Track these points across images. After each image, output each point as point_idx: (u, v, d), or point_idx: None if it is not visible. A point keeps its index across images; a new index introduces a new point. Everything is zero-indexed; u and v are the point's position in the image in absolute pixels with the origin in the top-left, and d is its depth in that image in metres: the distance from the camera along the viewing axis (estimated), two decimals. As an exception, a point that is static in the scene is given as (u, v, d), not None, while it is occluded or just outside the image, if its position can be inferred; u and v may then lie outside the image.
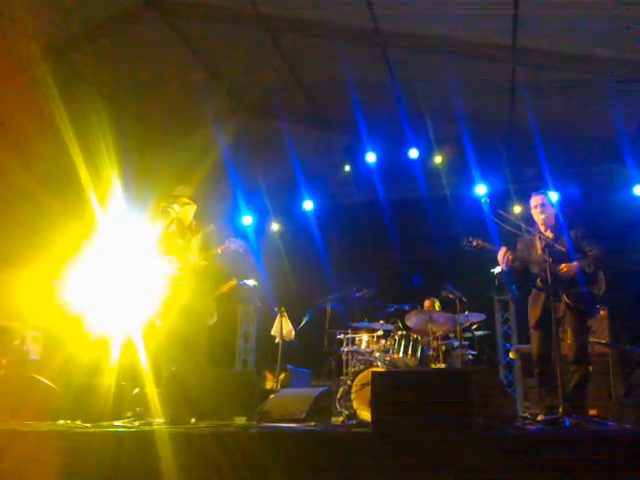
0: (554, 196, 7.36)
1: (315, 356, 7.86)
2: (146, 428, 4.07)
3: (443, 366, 6.56)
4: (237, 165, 8.79)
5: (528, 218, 5.30)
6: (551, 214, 5.13)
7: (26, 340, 6.71)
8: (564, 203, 7.13)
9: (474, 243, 5.14)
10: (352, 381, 6.22)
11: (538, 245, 5.05)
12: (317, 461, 3.10)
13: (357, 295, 7.30)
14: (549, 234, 5.06)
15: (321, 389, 5.54)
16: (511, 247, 5.23)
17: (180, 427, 4.05)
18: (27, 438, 3.63)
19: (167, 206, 5.34)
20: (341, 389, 6.42)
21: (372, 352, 6.68)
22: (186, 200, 5.39)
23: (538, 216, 5.14)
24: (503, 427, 3.74)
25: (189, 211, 5.43)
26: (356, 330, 7.06)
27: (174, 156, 9.17)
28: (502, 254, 4.97)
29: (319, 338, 7.39)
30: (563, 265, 4.83)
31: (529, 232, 5.10)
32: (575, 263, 4.86)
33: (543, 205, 5.14)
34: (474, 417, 3.35)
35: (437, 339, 6.84)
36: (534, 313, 5.04)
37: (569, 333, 4.84)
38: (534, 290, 5.08)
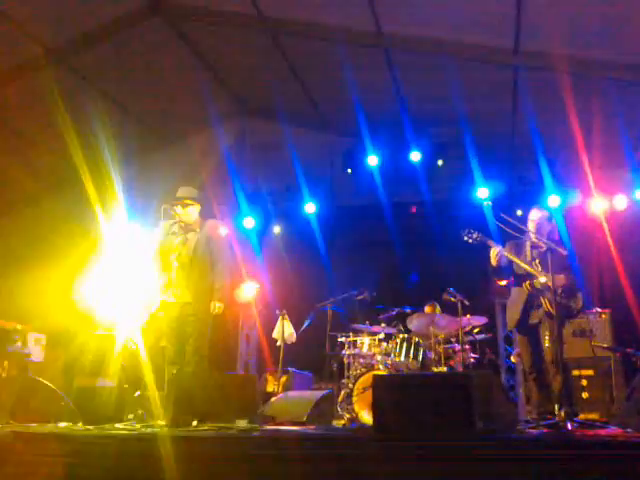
0: (555, 200, 7.41)
1: (317, 359, 7.85)
2: (148, 431, 4.08)
3: (444, 369, 6.55)
4: (239, 167, 8.80)
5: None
6: (547, 229, 5.17)
7: (28, 342, 6.71)
8: (563, 211, 7.16)
9: (474, 235, 5.16)
10: (353, 384, 6.22)
11: (528, 252, 5.12)
12: (318, 464, 3.10)
13: (359, 298, 7.29)
14: (541, 244, 5.07)
15: (322, 392, 5.56)
16: None
17: (182, 430, 4.05)
18: (29, 440, 3.63)
19: (170, 207, 5.35)
20: (342, 392, 6.42)
21: (374, 355, 6.68)
22: (189, 201, 5.39)
23: (534, 229, 5.18)
24: (505, 431, 3.74)
25: (193, 212, 5.43)
26: (358, 333, 7.06)
27: (177, 158, 9.19)
28: (496, 252, 5.03)
29: (321, 341, 7.38)
30: (548, 277, 4.88)
31: (524, 234, 5.15)
32: (562, 276, 4.94)
33: (540, 223, 5.18)
34: (476, 421, 3.35)
35: (439, 342, 6.83)
36: (512, 315, 5.14)
37: (547, 338, 4.91)
38: (515, 291, 5.13)
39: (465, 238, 5.20)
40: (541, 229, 5.14)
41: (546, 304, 4.90)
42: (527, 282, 5.03)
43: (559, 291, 4.90)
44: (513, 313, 5.14)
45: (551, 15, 5.65)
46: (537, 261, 5.04)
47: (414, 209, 8.42)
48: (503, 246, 5.13)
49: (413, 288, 8.64)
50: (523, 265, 5.03)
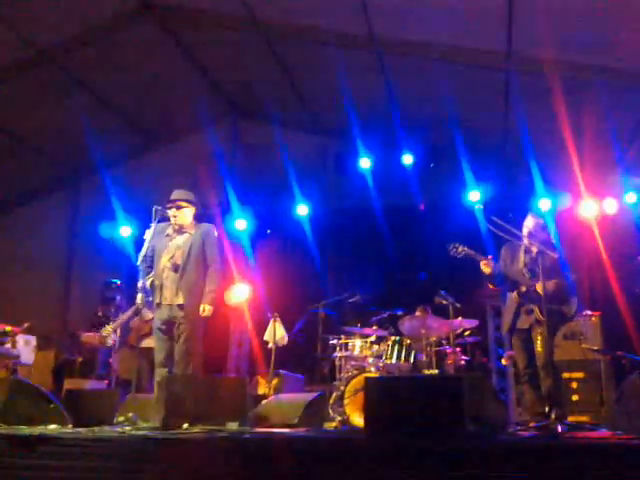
0: (546, 203, 7.44)
1: (308, 361, 7.84)
2: (139, 433, 4.06)
3: (436, 372, 6.56)
4: (231, 169, 8.79)
5: (521, 225, 5.34)
6: (542, 237, 5.19)
7: (17, 344, 6.67)
8: (553, 215, 7.19)
9: (459, 249, 5.18)
10: (345, 386, 6.21)
11: (521, 257, 5.14)
12: (310, 467, 3.09)
13: (350, 300, 7.29)
14: (533, 248, 5.07)
15: (314, 395, 5.54)
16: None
17: (172, 432, 4.03)
18: (18, 443, 3.61)
19: (163, 209, 5.33)
20: (334, 394, 6.40)
21: (365, 357, 6.67)
22: (183, 204, 5.37)
23: (528, 235, 5.19)
24: (495, 433, 3.74)
25: (187, 214, 5.40)
26: (349, 335, 7.05)
27: (169, 160, 9.18)
28: (485, 262, 5.09)
29: (312, 343, 7.37)
30: (538, 285, 4.89)
31: (519, 238, 5.15)
32: (552, 282, 4.95)
33: (535, 230, 5.19)
34: (466, 423, 3.36)
35: (430, 345, 6.83)
36: (506, 319, 5.20)
37: (538, 342, 4.92)
38: (509, 296, 5.15)
39: (451, 253, 5.22)
40: (535, 235, 5.16)
41: (537, 311, 4.91)
42: (515, 291, 5.07)
43: (549, 297, 4.89)
44: (506, 318, 5.19)
45: (543, 19, 5.68)
46: (526, 269, 5.08)
47: (422, 207, 8.40)
48: (497, 250, 5.16)
49: (418, 286, 8.61)
50: (511, 275, 5.08)
